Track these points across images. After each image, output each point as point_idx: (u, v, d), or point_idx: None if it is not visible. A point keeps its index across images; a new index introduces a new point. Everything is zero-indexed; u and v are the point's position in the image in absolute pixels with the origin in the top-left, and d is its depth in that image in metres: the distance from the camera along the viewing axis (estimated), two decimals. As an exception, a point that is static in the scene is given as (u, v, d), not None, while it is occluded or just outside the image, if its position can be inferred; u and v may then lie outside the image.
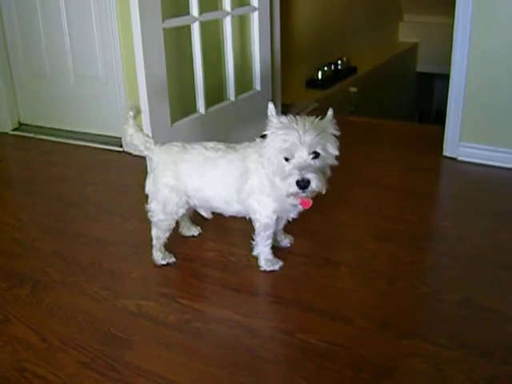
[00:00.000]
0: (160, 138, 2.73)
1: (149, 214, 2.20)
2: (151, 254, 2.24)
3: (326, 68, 4.90)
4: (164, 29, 2.70)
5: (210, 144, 2.16)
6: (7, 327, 1.95)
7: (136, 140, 2.16)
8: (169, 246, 2.28)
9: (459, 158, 3.10)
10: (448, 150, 3.14)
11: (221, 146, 2.15)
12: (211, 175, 2.09)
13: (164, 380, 1.65)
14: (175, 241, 2.38)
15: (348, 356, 1.71)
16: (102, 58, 3.56)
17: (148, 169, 2.24)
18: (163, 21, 2.69)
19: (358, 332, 1.82)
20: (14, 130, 4.01)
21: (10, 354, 1.81)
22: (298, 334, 1.80)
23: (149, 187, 2.19)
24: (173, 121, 2.87)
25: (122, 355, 1.76)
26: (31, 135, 3.87)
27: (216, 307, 1.97)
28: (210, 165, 2.09)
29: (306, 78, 4.80)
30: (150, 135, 2.66)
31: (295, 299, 1.98)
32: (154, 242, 2.22)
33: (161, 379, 1.66)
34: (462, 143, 3.09)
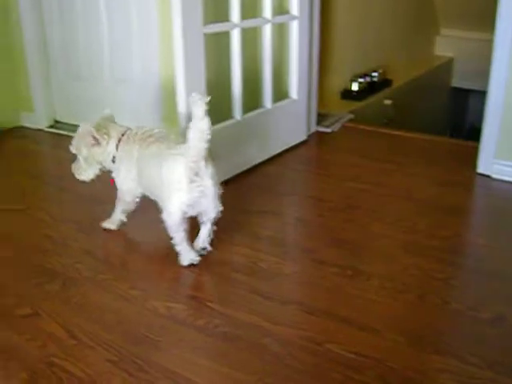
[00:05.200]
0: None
1: None
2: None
3: (361, 79, 4.89)
4: (204, 34, 2.70)
5: None
6: (37, 322, 1.96)
7: None
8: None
9: (493, 176, 3.07)
10: (482, 167, 3.11)
11: None
12: None
13: (190, 383, 1.66)
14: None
15: (376, 368, 1.70)
16: (139, 62, 3.58)
17: None
18: (204, 26, 2.69)
19: (386, 344, 1.80)
20: (49, 127, 4.06)
21: (39, 348, 1.83)
22: (327, 344, 1.80)
23: None
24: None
25: (150, 356, 1.77)
26: (65, 133, 3.91)
27: (245, 313, 1.95)
28: None
29: (341, 89, 4.79)
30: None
31: (325, 309, 1.98)
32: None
33: (187, 382, 1.66)
34: (496, 160, 3.05)
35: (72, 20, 3.86)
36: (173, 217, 2.15)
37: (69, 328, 1.91)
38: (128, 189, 2.40)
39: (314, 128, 3.78)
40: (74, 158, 2.45)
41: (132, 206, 2.47)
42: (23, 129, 4.08)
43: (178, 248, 2.23)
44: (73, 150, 2.42)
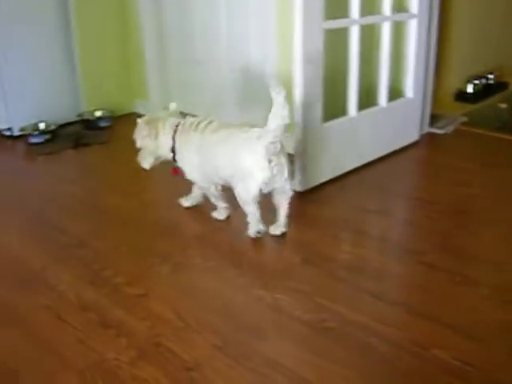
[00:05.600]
0: (310, 137, 2.78)
1: None
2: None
3: (476, 81, 4.76)
4: (324, 29, 2.71)
5: None
6: (147, 302, 2.04)
7: None
8: (307, 246, 2.31)
9: None
10: None
11: None
12: None
13: (294, 375, 1.67)
14: (313, 241, 2.41)
15: (481, 378, 1.66)
16: (256, 52, 3.61)
17: None
18: (324, 21, 2.69)
19: (493, 354, 1.76)
20: (162, 112, 4.15)
21: (148, 328, 1.89)
22: (433, 349, 1.77)
23: None
24: (324, 121, 2.88)
25: (255, 345, 1.79)
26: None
27: (353, 311, 1.95)
28: None
29: (456, 90, 4.68)
30: (301, 132, 2.71)
31: (432, 313, 1.94)
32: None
33: (291, 373, 1.67)
34: None
35: (189, 8, 3.93)
36: (252, 193, 2.33)
37: (177, 310, 1.97)
38: (192, 176, 2.59)
39: (426, 129, 3.72)
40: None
41: (217, 192, 2.61)
42: (135, 115, 4.19)
43: (249, 219, 2.43)
44: (136, 142, 2.65)
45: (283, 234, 2.47)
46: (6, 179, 3.33)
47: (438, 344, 1.79)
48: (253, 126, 2.38)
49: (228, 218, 2.59)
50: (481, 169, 3.20)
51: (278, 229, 2.48)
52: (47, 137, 3.85)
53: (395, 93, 3.40)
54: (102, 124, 4.09)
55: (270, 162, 2.27)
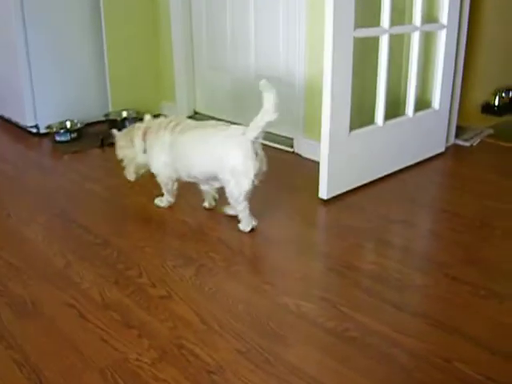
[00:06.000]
0: (337, 145, 2.78)
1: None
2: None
3: (503, 94, 4.73)
4: (354, 38, 2.70)
5: None
6: (169, 303, 2.04)
7: None
8: (331, 254, 2.31)
9: None
10: None
11: None
12: None
13: (315, 381, 1.66)
14: (337, 249, 2.41)
15: (507, 395, 1.65)
16: (284, 59, 3.62)
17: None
18: (354, 30, 2.69)
19: (518, 371, 1.75)
20: (188, 117, 4.17)
21: (170, 329, 1.90)
22: (456, 363, 1.75)
23: None
24: (351, 129, 2.88)
25: (277, 350, 1.79)
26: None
27: (375, 321, 1.94)
28: None
29: (482, 102, 4.66)
30: (328, 140, 2.72)
31: (455, 326, 1.93)
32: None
33: (312, 380, 1.67)
34: None
35: (219, 15, 3.96)
36: (245, 188, 2.45)
37: (200, 313, 1.98)
38: (159, 172, 2.71)
39: (452, 140, 3.71)
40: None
41: (172, 188, 2.77)
42: (162, 117, 4.21)
43: (241, 216, 2.54)
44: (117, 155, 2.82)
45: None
46: (33, 176, 3.36)
47: (461, 357, 1.78)
48: (225, 124, 2.57)
49: (253, 229, 2.60)
50: (506, 182, 3.18)
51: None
52: (73, 135, 3.89)
53: (422, 103, 3.39)
54: (128, 124, 4.10)
55: (256, 155, 2.42)
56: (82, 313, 2.00)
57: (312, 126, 3.38)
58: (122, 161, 2.80)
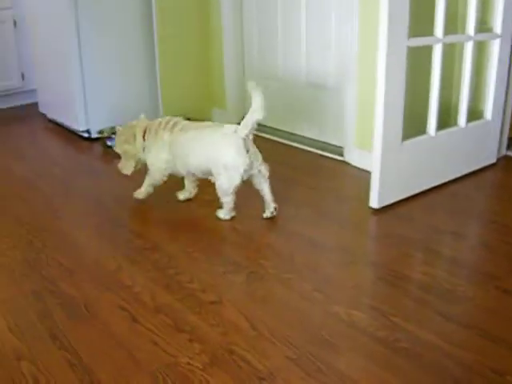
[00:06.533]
0: (389, 154, 2.76)
1: None
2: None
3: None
4: (408, 47, 2.69)
5: None
6: (220, 309, 2.06)
7: None
8: (382, 263, 2.30)
9: None
10: None
11: None
12: None
13: (367, 392, 1.66)
14: (388, 258, 2.40)
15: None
16: (336, 68, 3.62)
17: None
18: (408, 39, 2.68)
19: None
20: (238, 124, 4.17)
21: (221, 335, 1.91)
22: (508, 377, 1.73)
23: None
24: (403, 139, 2.86)
25: (328, 359, 1.79)
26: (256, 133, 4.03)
27: (427, 332, 1.92)
28: None
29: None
30: (380, 149, 2.71)
31: (507, 339, 1.89)
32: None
33: (364, 390, 1.67)
34: None
35: (271, 23, 3.98)
36: (235, 183, 2.64)
37: (250, 319, 1.98)
38: (158, 168, 2.86)
39: (504, 152, 3.65)
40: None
41: (159, 183, 2.91)
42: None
43: (225, 206, 2.74)
44: (115, 149, 3.02)
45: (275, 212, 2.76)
46: (84, 180, 3.42)
47: (514, 372, 1.76)
48: (219, 124, 2.77)
49: (302, 230, 2.59)
50: (559, 195, 3.13)
51: (268, 211, 2.75)
52: (124, 140, 3.93)
53: (473, 114, 3.35)
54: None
55: (247, 151, 2.61)
56: (134, 316, 2.02)
57: (363, 135, 3.37)
58: (120, 155, 3.00)
